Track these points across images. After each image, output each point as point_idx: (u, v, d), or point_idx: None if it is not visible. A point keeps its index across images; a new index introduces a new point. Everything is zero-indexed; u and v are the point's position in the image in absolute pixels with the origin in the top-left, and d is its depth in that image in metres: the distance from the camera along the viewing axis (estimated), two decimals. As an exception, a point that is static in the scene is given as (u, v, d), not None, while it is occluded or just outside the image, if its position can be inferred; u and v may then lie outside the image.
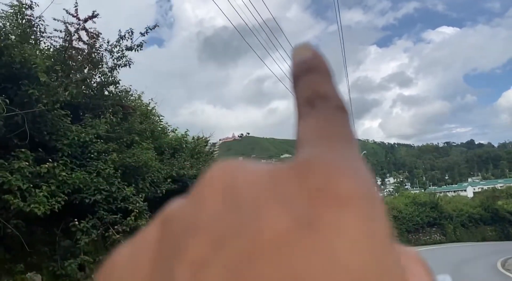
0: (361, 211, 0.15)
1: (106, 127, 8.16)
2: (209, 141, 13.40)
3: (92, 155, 7.69)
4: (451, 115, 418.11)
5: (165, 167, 10.14)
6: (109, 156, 7.79)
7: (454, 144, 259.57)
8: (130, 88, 10.84)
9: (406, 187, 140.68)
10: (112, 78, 9.31)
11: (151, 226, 0.19)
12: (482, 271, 14.61)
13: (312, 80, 0.21)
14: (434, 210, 32.32)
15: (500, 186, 56.66)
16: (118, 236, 7.11)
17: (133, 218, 7.38)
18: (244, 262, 0.15)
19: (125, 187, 7.70)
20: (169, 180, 9.71)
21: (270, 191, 0.17)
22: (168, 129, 12.62)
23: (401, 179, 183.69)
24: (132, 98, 11.18)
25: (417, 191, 49.24)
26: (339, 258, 0.14)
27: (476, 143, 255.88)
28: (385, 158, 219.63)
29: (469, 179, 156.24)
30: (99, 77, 9.23)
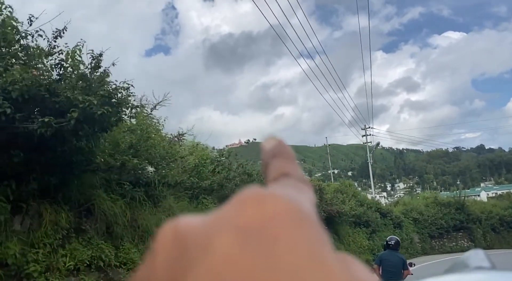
0: (290, 222, 0.18)
1: None
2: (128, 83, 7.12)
3: None
4: (460, 120, 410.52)
5: None
6: None
7: (464, 149, 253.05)
8: None
9: (417, 192, 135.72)
10: None
11: None
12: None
13: (277, 163, 0.24)
14: (460, 212, 28.03)
15: (515, 191, 52.13)
16: None
17: None
18: None
19: None
20: None
21: (212, 225, 0.19)
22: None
23: (411, 184, 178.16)
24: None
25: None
26: (278, 258, 0.17)
27: (486, 148, 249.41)
28: (394, 164, 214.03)
29: (482, 184, 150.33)
30: None
